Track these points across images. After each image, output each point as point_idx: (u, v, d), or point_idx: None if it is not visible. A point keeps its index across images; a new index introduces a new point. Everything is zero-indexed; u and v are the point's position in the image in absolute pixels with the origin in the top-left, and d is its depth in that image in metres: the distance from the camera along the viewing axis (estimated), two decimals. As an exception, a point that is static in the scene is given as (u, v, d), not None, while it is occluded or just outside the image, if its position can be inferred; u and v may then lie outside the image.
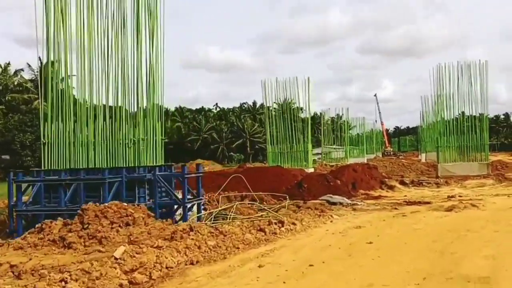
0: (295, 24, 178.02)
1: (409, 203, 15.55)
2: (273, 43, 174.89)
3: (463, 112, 31.72)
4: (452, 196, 16.33)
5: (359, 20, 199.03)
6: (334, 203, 15.90)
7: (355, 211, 13.92)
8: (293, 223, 9.56)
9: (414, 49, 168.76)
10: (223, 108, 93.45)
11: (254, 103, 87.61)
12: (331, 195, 16.50)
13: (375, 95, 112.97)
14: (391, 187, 21.51)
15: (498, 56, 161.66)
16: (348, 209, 14.46)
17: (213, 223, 9.77)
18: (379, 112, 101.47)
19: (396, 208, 14.00)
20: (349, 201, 16.09)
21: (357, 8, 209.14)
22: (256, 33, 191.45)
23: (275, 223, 9.20)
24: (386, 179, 23.68)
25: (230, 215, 10.49)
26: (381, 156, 79.52)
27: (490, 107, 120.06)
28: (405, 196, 18.40)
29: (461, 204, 13.02)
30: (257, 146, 79.47)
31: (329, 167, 42.27)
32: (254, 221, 9.55)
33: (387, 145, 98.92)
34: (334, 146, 78.85)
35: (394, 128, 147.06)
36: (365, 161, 53.96)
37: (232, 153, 70.75)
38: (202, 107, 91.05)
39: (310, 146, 33.57)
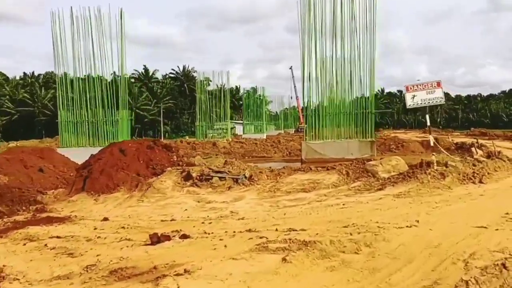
0: (223, 0, 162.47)
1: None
2: (201, 19, 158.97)
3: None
4: (160, 239, 5.28)
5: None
6: None
7: None
8: None
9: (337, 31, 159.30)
10: (119, 76, 78.43)
11: (146, 69, 73.67)
12: None
13: (290, 68, 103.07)
14: (145, 187, 10.33)
15: (418, 39, 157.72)
16: None
17: None
18: (294, 87, 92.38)
19: None
20: None
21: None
22: (183, 8, 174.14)
23: None
24: (168, 169, 12.54)
25: None
26: (293, 132, 71.36)
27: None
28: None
29: None
30: (146, 120, 66.85)
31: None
32: None
33: (301, 121, 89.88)
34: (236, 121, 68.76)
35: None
36: (264, 137, 44.20)
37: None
38: (89, 74, 75.91)
39: (124, 113, 21.69)
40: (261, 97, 61.49)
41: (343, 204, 7.50)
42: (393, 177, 10.25)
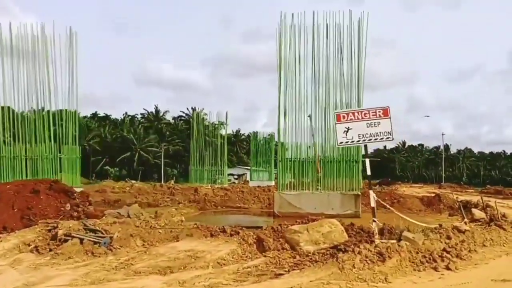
0: (248, 48, 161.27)
1: None
2: (226, 66, 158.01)
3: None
4: None
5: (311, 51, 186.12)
6: None
7: None
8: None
9: (364, 83, 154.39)
10: (130, 116, 75.97)
11: (157, 110, 71.60)
12: None
13: (309, 116, 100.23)
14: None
15: (443, 96, 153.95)
16: None
17: None
18: (313, 135, 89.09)
19: None
20: None
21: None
22: (208, 55, 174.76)
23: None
24: (40, 222, 9.30)
25: None
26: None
27: (436, 143, 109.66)
28: None
29: None
30: (152, 162, 64.17)
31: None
32: None
33: (318, 170, 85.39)
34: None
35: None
36: (272, 185, 40.39)
37: (108, 167, 54.76)
38: (95, 112, 74.10)
39: (73, 150, 18.65)
40: (269, 143, 57.69)
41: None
42: (319, 252, 6.73)
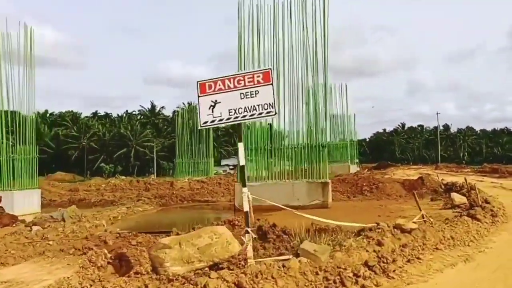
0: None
1: None
2: (232, 62, 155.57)
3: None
4: None
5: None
6: None
7: None
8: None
9: (365, 70, 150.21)
10: (130, 113, 74.06)
11: (153, 105, 69.47)
12: None
13: (306, 103, 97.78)
14: None
15: (444, 77, 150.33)
16: None
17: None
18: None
19: None
20: None
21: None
22: (213, 52, 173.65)
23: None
24: None
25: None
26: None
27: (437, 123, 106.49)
28: None
29: None
30: (148, 157, 62.19)
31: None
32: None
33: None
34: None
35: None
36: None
37: (103, 164, 52.83)
38: (96, 111, 72.08)
39: (28, 150, 16.47)
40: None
41: None
42: (184, 277, 4.54)
